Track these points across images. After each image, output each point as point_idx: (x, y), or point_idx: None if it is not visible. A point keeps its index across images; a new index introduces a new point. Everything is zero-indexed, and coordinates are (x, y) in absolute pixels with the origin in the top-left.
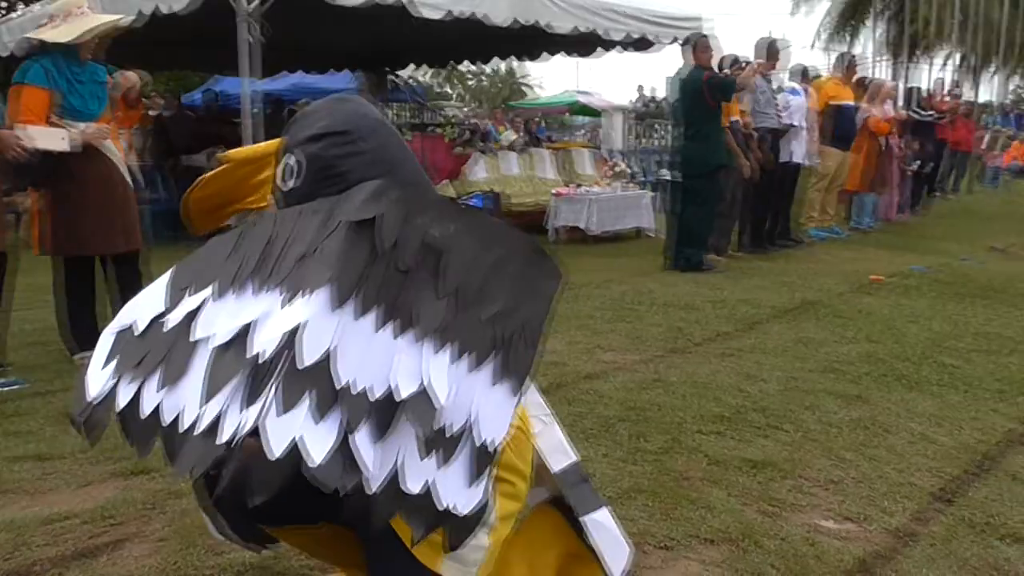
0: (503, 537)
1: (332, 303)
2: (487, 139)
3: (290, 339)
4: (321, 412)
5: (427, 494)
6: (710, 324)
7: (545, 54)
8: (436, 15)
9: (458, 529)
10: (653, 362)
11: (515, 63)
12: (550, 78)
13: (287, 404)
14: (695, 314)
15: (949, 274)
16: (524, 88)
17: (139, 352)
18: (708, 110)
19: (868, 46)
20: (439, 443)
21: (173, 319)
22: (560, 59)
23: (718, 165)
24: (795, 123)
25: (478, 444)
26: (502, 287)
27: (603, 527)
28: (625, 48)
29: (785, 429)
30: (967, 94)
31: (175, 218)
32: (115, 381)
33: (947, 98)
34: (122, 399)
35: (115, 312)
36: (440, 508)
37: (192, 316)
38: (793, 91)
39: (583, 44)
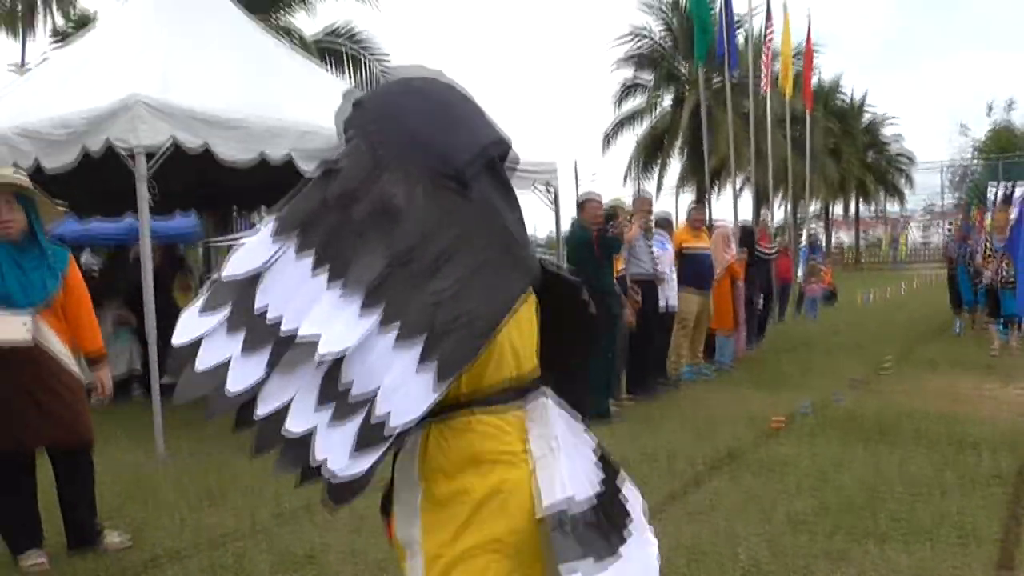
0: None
1: (273, 233)
2: None
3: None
4: (234, 326)
5: (306, 440)
6: (657, 482)
7: None
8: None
9: (334, 490)
10: None
11: None
12: None
13: (207, 307)
14: (635, 470)
15: (836, 415)
16: None
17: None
18: (599, 263)
19: (673, 178)
20: (338, 400)
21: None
22: None
23: (612, 314)
24: (668, 272)
25: (373, 419)
26: (457, 270)
27: None
28: None
29: None
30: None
31: None
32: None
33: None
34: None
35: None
36: (315, 459)
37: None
38: (660, 243)
39: None
